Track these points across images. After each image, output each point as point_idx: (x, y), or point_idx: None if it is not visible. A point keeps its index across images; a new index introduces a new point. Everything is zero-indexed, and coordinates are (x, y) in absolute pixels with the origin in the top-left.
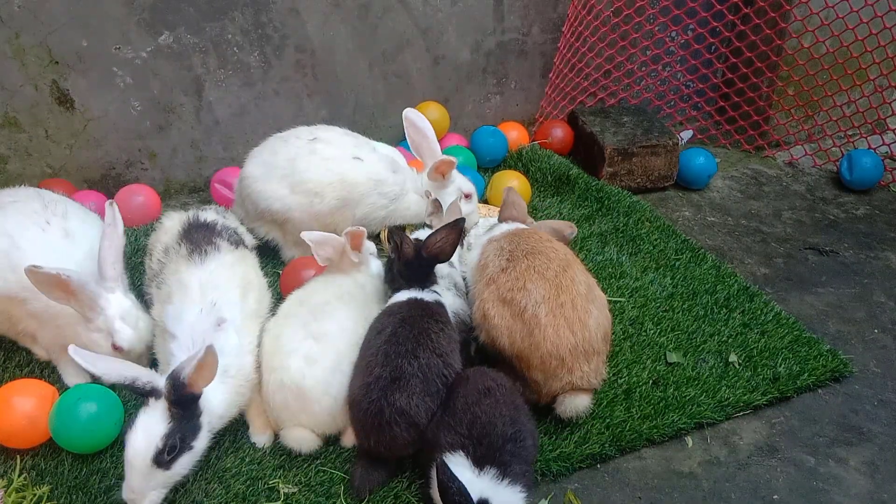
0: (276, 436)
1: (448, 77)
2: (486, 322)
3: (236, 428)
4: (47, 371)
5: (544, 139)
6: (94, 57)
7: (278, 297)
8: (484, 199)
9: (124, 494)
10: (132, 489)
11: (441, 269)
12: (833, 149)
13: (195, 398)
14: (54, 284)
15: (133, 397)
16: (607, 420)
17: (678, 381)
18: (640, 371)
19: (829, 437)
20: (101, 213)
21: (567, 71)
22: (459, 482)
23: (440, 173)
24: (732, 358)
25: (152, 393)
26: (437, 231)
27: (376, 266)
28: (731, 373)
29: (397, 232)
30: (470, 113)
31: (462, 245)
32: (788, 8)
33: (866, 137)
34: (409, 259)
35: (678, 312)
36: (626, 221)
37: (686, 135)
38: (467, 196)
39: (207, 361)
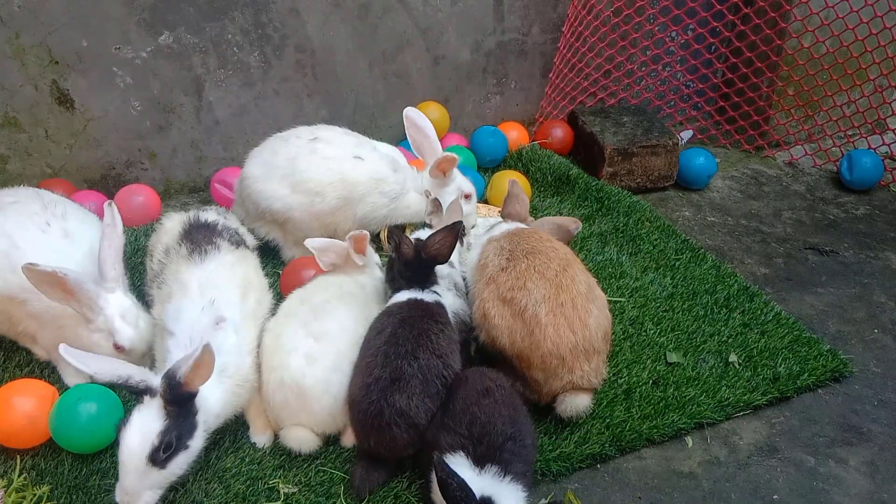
0: (276, 436)
1: (448, 77)
2: (486, 322)
3: (236, 428)
4: (47, 371)
5: (544, 139)
6: (94, 57)
7: (278, 297)
8: (484, 199)
9: (117, 496)
10: (126, 490)
11: (441, 269)
12: (833, 149)
13: (191, 396)
14: (51, 283)
15: (133, 397)
16: (607, 420)
17: (678, 381)
18: (640, 371)
19: (829, 437)
20: (101, 214)
21: (567, 71)
22: (460, 478)
23: (442, 171)
24: (732, 358)
25: (147, 391)
26: (435, 233)
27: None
28: (731, 373)
29: (397, 232)
30: (470, 113)
31: (462, 244)
32: (788, 8)
33: (866, 137)
34: (409, 259)
35: (678, 312)
36: (626, 221)
37: (686, 135)
38: (467, 196)
39: (204, 360)
